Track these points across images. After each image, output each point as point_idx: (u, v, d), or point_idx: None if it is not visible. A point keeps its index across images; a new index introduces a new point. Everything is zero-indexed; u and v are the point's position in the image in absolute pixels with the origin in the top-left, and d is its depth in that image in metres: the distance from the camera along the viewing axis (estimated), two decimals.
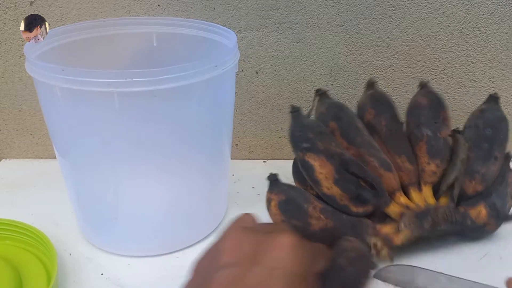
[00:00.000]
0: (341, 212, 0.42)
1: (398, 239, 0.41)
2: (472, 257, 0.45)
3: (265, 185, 0.56)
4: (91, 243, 0.46)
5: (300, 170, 0.44)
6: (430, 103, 0.48)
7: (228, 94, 0.44)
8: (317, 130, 0.43)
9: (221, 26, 0.46)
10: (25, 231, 0.44)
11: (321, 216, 0.42)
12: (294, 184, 0.47)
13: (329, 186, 0.41)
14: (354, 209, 0.42)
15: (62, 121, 0.39)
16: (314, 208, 0.42)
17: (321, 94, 0.49)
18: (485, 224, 0.44)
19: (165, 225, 0.44)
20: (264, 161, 0.63)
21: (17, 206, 0.52)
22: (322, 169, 0.41)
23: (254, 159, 0.63)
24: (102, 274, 0.43)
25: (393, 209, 0.42)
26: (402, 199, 0.44)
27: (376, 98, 0.49)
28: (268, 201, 0.43)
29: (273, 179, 0.44)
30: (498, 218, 0.44)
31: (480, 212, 0.43)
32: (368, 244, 0.41)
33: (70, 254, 0.45)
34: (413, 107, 0.49)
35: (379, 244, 0.41)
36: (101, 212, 0.44)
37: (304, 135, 0.43)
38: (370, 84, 0.50)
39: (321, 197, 0.43)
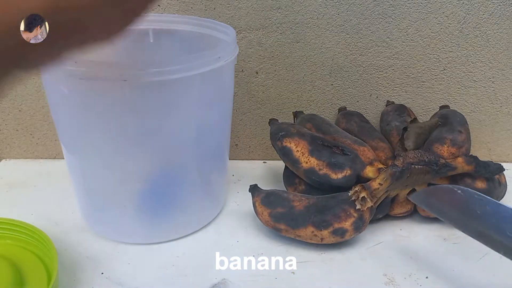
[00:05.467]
0: (322, 190, 0.47)
1: (375, 183, 0.44)
2: (472, 257, 0.45)
3: (265, 186, 0.56)
4: (98, 235, 0.47)
5: (288, 173, 0.51)
6: (395, 108, 0.56)
7: (228, 86, 0.45)
8: (290, 124, 0.51)
9: (218, 22, 0.46)
10: (25, 231, 0.44)
11: (303, 198, 0.46)
12: (286, 189, 0.52)
13: (306, 160, 0.47)
14: (334, 175, 0.46)
15: (71, 113, 0.40)
16: (295, 195, 0.46)
17: (296, 112, 0.57)
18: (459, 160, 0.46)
19: (165, 214, 0.45)
20: (264, 162, 0.63)
21: (17, 206, 0.52)
22: (298, 147, 0.47)
23: (254, 159, 0.63)
24: (102, 273, 0.43)
25: (370, 171, 0.46)
26: (379, 165, 0.48)
27: (346, 113, 0.57)
28: (254, 205, 0.47)
29: (252, 187, 0.48)
30: (474, 158, 0.46)
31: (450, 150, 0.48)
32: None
33: (71, 254, 0.45)
34: (382, 115, 0.57)
35: (358, 188, 0.44)
36: (109, 201, 0.44)
37: (280, 127, 0.50)
38: (342, 108, 0.59)
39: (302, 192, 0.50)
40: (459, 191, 0.36)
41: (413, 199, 0.42)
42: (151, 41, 0.50)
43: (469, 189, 0.36)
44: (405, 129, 0.49)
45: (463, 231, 0.37)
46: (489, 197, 0.35)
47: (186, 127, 0.42)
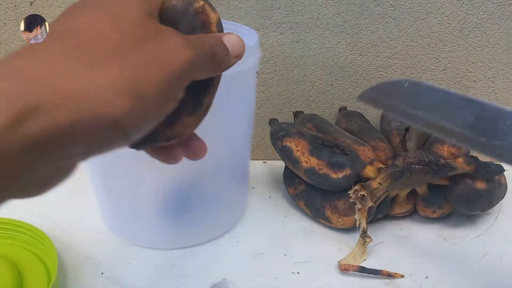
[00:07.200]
0: (322, 190, 0.48)
1: (375, 182, 0.45)
2: (472, 257, 0.45)
3: (264, 186, 0.56)
4: (111, 235, 0.47)
5: (288, 172, 0.51)
6: None
7: (251, 88, 0.44)
8: (290, 124, 0.51)
9: (241, 25, 0.46)
10: (25, 231, 0.44)
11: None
12: (286, 189, 0.53)
13: (306, 160, 0.47)
14: (334, 175, 0.46)
15: None
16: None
17: (297, 112, 0.57)
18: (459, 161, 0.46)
19: (179, 219, 0.45)
20: (264, 162, 0.63)
21: (18, 206, 0.52)
22: (298, 147, 0.48)
23: (254, 159, 0.63)
24: (102, 273, 0.43)
25: (370, 170, 0.46)
26: (379, 165, 0.47)
27: (346, 112, 0.57)
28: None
29: None
30: (474, 158, 0.46)
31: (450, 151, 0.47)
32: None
33: (71, 254, 0.45)
34: (383, 115, 0.57)
35: (358, 187, 0.44)
36: (128, 204, 0.44)
37: (280, 127, 0.50)
38: (342, 108, 0.58)
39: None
40: (406, 84, 0.35)
41: (360, 98, 0.39)
42: None
43: (416, 80, 0.35)
44: (407, 130, 0.49)
45: (414, 125, 0.35)
46: (437, 86, 0.34)
47: (213, 130, 0.41)
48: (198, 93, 0.27)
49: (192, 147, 0.30)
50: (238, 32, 0.46)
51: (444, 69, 0.57)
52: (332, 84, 0.58)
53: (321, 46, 0.55)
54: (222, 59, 0.26)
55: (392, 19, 0.54)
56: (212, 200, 0.45)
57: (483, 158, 0.49)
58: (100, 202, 0.48)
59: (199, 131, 0.40)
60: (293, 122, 0.56)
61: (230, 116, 0.42)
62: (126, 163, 0.41)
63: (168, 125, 0.26)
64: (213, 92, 0.28)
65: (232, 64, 0.28)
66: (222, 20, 0.46)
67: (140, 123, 0.20)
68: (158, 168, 0.40)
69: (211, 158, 0.42)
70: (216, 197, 0.45)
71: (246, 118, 0.45)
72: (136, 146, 0.26)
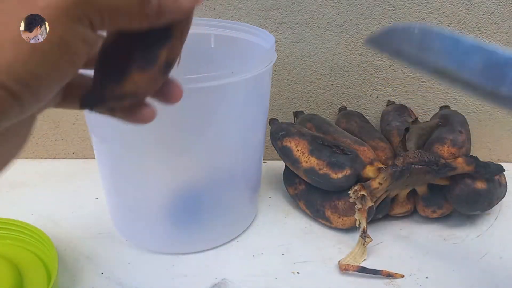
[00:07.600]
0: (322, 190, 0.48)
1: (375, 182, 0.45)
2: (472, 257, 0.45)
3: (265, 186, 0.56)
4: (124, 239, 0.47)
5: (288, 172, 0.52)
6: (395, 108, 0.56)
7: (266, 92, 0.44)
8: (290, 124, 0.51)
9: (256, 27, 0.46)
10: (25, 231, 0.44)
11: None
12: (286, 189, 0.53)
13: (306, 160, 0.47)
14: (334, 175, 0.46)
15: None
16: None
17: (297, 112, 0.57)
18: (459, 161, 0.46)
19: (188, 225, 0.45)
20: (264, 162, 0.63)
21: (18, 206, 0.52)
22: (298, 147, 0.48)
23: None
24: (102, 273, 0.43)
25: (370, 170, 0.46)
26: (379, 165, 0.47)
27: (346, 112, 0.57)
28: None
29: None
30: (474, 158, 0.46)
31: (450, 151, 0.48)
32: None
33: (71, 254, 0.45)
34: (383, 115, 0.57)
35: (358, 187, 0.44)
36: (137, 206, 0.44)
37: (280, 127, 0.51)
38: (342, 108, 0.59)
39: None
40: (415, 30, 0.34)
41: (367, 42, 0.36)
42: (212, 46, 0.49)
43: (427, 25, 0.34)
44: (406, 130, 0.49)
45: (420, 70, 0.34)
46: (448, 31, 0.33)
47: (227, 135, 0.41)
48: (150, 45, 0.23)
49: (164, 92, 0.25)
50: (254, 34, 0.46)
51: None
52: (332, 84, 0.58)
53: (321, 46, 0.55)
54: (162, 3, 0.21)
55: (392, 19, 0.54)
56: (223, 207, 0.45)
57: (483, 158, 0.49)
58: (109, 203, 0.48)
59: (213, 136, 0.40)
60: (293, 122, 0.56)
61: (244, 121, 0.41)
62: (135, 164, 0.41)
63: (116, 81, 0.23)
64: (172, 45, 0.23)
65: (185, 8, 0.22)
66: (229, 21, 0.46)
67: (22, 63, 0.19)
68: (169, 172, 0.40)
69: (224, 164, 0.42)
70: (227, 205, 0.45)
71: (261, 123, 0.44)
72: (85, 105, 0.23)
